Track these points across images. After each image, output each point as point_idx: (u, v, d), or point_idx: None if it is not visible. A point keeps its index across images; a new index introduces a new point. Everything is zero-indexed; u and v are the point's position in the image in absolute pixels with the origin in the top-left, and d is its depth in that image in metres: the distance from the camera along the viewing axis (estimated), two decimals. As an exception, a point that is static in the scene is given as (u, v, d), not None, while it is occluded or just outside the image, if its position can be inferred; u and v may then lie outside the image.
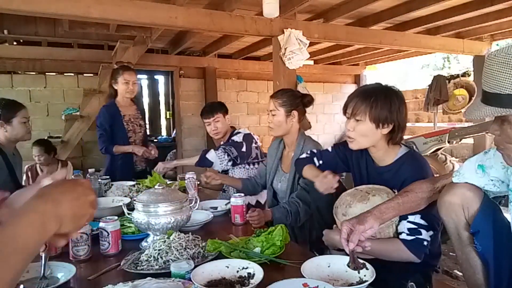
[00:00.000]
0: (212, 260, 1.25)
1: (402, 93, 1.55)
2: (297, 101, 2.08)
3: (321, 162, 1.77)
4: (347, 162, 1.72)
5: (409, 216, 1.38)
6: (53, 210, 0.61)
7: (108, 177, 2.51)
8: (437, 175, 1.78)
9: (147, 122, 3.91)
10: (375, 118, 1.45)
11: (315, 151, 1.84)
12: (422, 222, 1.37)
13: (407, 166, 1.48)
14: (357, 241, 1.18)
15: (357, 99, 1.48)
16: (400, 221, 1.42)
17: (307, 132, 2.24)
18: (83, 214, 0.67)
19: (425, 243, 1.37)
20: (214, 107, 2.75)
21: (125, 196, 2.18)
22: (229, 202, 1.91)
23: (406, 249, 1.36)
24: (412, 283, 1.06)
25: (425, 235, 1.36)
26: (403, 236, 1.38)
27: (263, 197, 2.47)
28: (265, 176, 2.29)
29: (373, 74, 8.20)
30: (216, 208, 2.01)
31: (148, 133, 3.60)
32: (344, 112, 1.55)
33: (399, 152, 1.53)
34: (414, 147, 4.62)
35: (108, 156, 3.09)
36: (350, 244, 1.17)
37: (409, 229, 1.37)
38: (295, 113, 2.05)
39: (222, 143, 2.84)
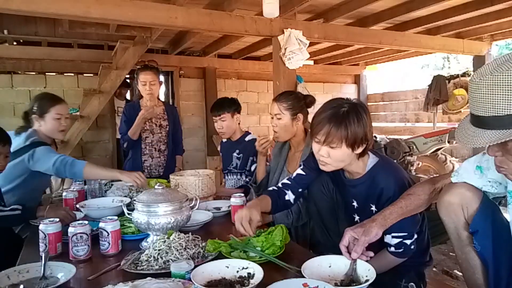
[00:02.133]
0: (212, 260, 1.25)
1: (364, 104, 1.53)
2: (301, 104, 2.06)
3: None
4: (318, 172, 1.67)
5: (392, 232, 1.38)
6: None
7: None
8: (436, 175, 1.78)
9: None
10: (352, 143, 1.38)
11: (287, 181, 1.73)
12: (404, 234, 1.38)
13: (382, 176, 1.45)
14: (361, 251, 1.20)
15: (330, 125, 1.37)
16: (384, 234, 1.38)
17: (307, 132, 2.23)
18: None
19: (412, 247, 1.40)
20: (222, 105, 2.66)
21: (125, 196, 2.17)
22: None
23: (397, 259, 1.41)
24: (412, 283, 1.07)
25: (410, 242, 1.39)
26: (392, 249, 1.40)
27: None
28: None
29: (373, 74, 8.21)
30: (219, 208, 2.00)
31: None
32: (312, 137, 1.44)
33: (368, 163, 1.49)
34: (414, 147, 4.63)
35: (127, 162, 3.11)
36: (353, 254, 1.19)
37: (395, 244, 1.39)
38: (300, 116, 2.03)
39: (225, 140, 2.84)
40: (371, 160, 1.50)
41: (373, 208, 1.48)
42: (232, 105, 2.67)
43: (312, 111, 2.15)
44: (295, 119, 2.03)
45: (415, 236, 1.41)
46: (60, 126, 2.26)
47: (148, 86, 2.96)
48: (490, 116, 1.01)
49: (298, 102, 2.05)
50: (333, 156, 1.40)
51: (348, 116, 1.37)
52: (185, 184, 2.09)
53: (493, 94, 0.99)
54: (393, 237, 1.38)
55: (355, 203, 1.54)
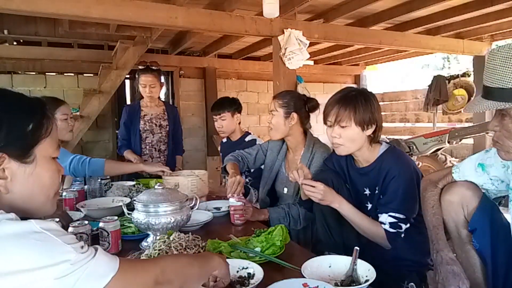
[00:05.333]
0: (212, 260, 1.25)
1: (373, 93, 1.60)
2: (299, 104, 2.01)
3: None
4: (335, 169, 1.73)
5: (390, 212, 1.47)
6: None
7: (108, 177, 2.51)
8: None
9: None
10: (360, 122, 1.49)
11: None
12: (401, 216, 1.45)
13: (389, 160, 1.53)
14: None
15: (339, 105, 1.51)
16: (381, 213, 1.49)
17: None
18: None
19: (402, 235, 1.47)
20: (223, 104, 2.69)
21: (125, 196, 2.17)
22: None
23: (386, 238, 1.46)
24: (412, 283, 1.07)
25: (403, 228, 1.46)
26: (385, 227, 1.46)
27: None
28: (258, 165, 2.28)
29: (373, 74, 8.21)
30: (219, 208, 2.00)
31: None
32: (325, 121, 1.58)
33: (380, 150, 1.57)
34: (414, 147, 4.63)
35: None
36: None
37: (390, 223, 1.46)
38: (294, 115, 1.97)
39: (225, 140, 2.84)
40: (382, 148, 1.57)
41: (377, 190, 1.53)
42: (232, 105, 2.68)
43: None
44: (287, 118, 1.98)
45: (408, 225, 1.46)
46: (68, 126, 2.30)
47: (148, 89, 2.95)
48: (495, 88, 1.03)
49: (296, 102, 2.00)
50: (344, 136, 1.51)
51: (356, 97, 1.50)
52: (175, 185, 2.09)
53: (503, 66, 1.01)
54: (390, 216, 1.45)
55: (367, 191, 1.59)
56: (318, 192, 1.48)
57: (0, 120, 0.74)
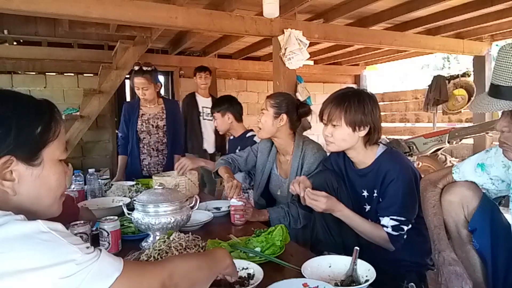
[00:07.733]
0: (212, 260, 1.25)
1: (375, 95, 1.59)
2: (291, 107, 2.01)
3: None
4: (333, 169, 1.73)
5: (391, 215, 1.47)
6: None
7: (108, 177, 2.51)
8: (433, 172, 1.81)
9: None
10: (350, 122, 1.48)
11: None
12: (402, 218, 1.45)
13: (387, 162, 1.52)
14: None
15: (331, 104, 1.52)
16: (382, 216, 1.49)
17: (306, 133, 2.24)
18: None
19: (404, 236, 1.48)
20: (214, 105, 2.81)
21: (125, 196, 2.17)
22: None
23: (389, 240, 1.46)
24: (412, 283, 1.07)
25: (405, 230, 1.47)
26: (388, 230, 1.46)
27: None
28: (250, 167, 2.29)
29: (373, 74, 8.21)
30: (219, 208, 2.00)
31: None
32: (321, 119, 1.59)
33: (377, 152, 1.56)
34: (414, 147, 4.63)
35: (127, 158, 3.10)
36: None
37: (393, 226, 1.46)
38: (284, 116, 1.97)
39: (231, 137, 2.89)
40: (380, 149, 1.56)
41: (376, 193, 1.53)
42: (221, 105, 2.77)
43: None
44: (276, 118, 1.98)
45: (410, 226, 1.47)
46: None
47: (141, 92, 2.94)
48: (509, 87, 1.00)
49: (288, 104, 2.00)
50: (335, 135, 1.52)
51: (349, 98, 1.50)
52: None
53: None
54: (391, 219, 1.46)
55: (365, 193, 1.59)
56: (320, 203, 1.47)
57: (9, 123, 0.74)
